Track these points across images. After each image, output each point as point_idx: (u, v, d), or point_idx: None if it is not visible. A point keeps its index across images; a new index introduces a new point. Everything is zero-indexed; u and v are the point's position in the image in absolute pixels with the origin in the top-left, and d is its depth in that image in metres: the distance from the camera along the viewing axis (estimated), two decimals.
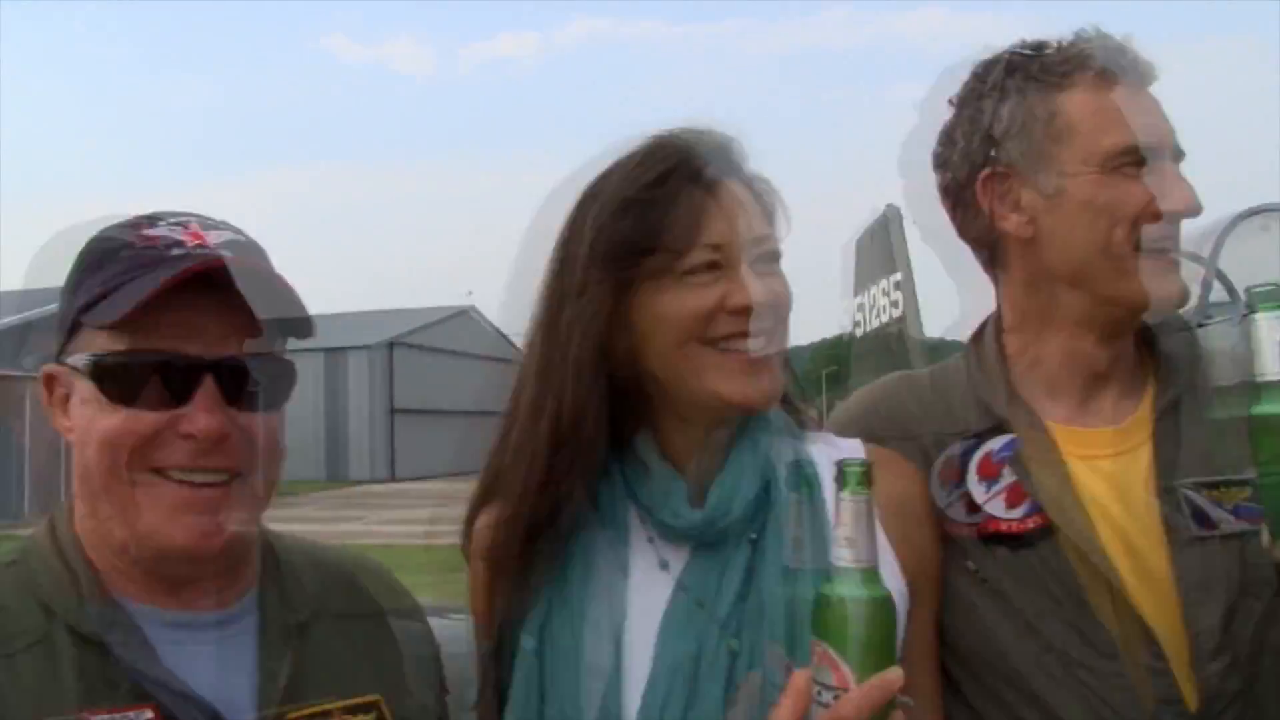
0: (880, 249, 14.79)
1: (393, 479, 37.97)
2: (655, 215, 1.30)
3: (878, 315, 15.69)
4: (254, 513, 1.20)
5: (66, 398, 1.18)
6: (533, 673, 1.32)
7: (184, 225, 1.18)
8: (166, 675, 1.10)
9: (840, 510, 1.10)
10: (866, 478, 1.10)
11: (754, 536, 1.33)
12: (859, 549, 1.08)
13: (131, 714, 1.06)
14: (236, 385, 1.14)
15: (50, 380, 1.19)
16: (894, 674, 1.06)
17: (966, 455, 1.51)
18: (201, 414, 1.11)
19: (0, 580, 1.15)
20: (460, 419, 42.46)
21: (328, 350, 39.27)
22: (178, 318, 1.11)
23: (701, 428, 1.37)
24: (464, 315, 43.95)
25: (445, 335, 42.15)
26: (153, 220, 1.19)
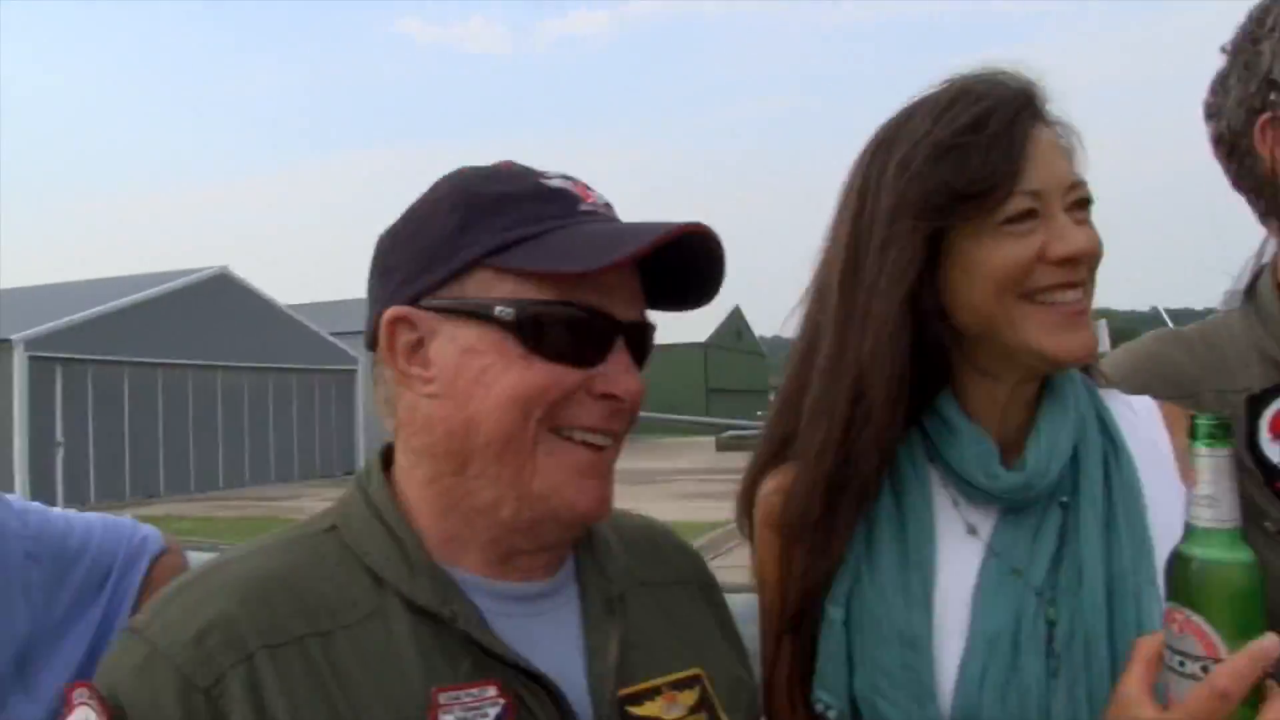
0: None
1: None
2: (973, 161, 1.22)
3: None
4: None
5: (417, 344, 1.09)
6: (840, 644, 1.27)
7: (567, 179, 1.13)
8: (507, 650, 1.04)
9: (1198, 467, 1.02)
10: (1224, 430, 1.01)
11: (1064, 499, 1.27)
12: (1221, 508, 1.01)
13: (475, 690, 1.00)
14: (638, 347, 1.11)
15: (396, 324, 1.09)
16: (1271, 642, 0.98)
17: (1255, 413, 1.41)
18: (624, 375, 1.07)
19: (322, 548, 1.09)
20: None
21: None
22: (596, 277, 1.04)
23: (1007, 385, 1.29)
24: None
25: None
26: (536, 170, 1.13)
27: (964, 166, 1.22)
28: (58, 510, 1.47)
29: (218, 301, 27.44)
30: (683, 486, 23.03)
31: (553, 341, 1.04)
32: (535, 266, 1.04)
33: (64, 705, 0.98)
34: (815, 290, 1.36)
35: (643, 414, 1.13)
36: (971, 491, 1.28)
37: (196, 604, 1.01)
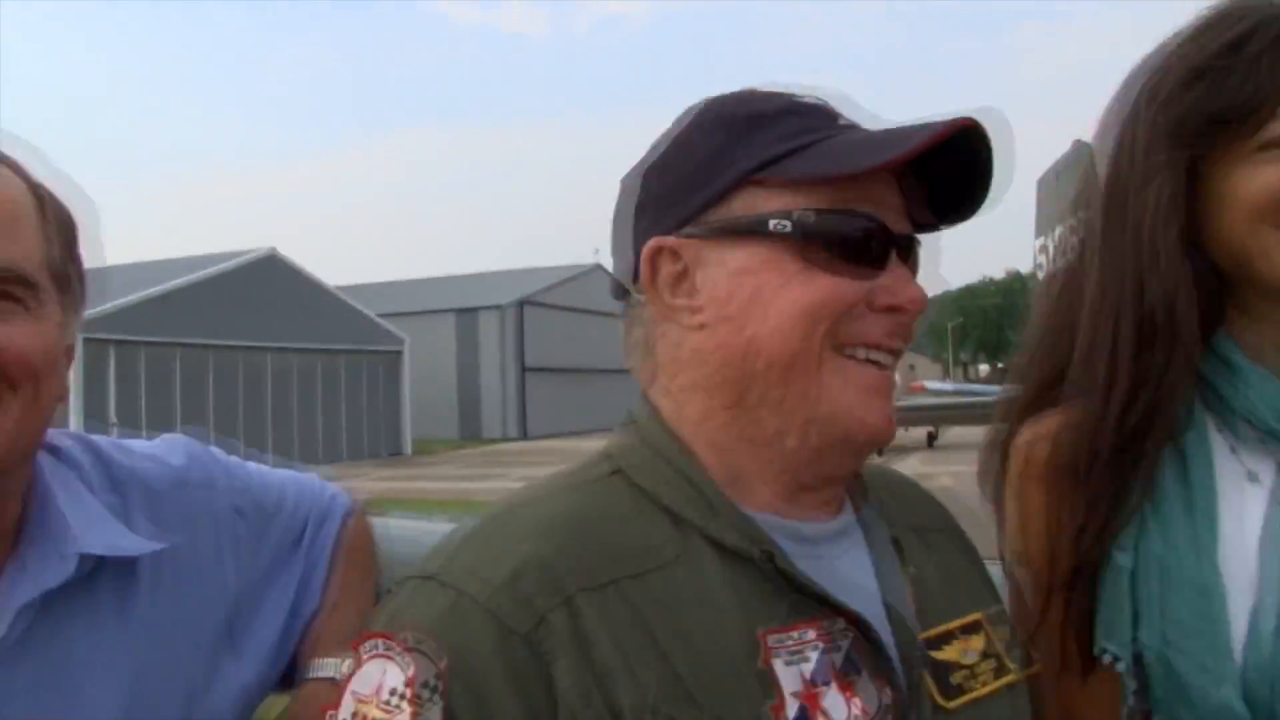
0: (1072, 188, 13.83)
1: (525, 437, 38.47)
2: (1231, 83, 1.17)
3: (1064, 255, 14.82)
4: None
5: (682, 275, 1.03)
6: (1125, 591, 1.20)
7: (818, 98, 1.08)
8: (826, 591, 0.98)
9: None
10: None
11: None
12: None
13: (796, 632, 0.95)
14: (912, 262, 1.05)
15: (658, 256, 1.04)
16: None
17: None
18: (906, 285, 1.01)
19: (611, 492, 1.03)
20: (590, 376, 43.00)
21: (460, 311, 39.91)
22: (867, 186, 1.00)
23: (1271, 323, 1.23)
24: (592, 273, 44.22)
25: (574, 293, 42.48)
26: (786, 91, 1.08)
27: (1220, 89, 1.18)
28: (252, 464, 1.41)
29: (267, 283, 27.67)
30: None
31: (832, 253, 0.99)
32: (807, 174, 0.99)
33: (351, 658, 0.92)
34: (1075, 229, 1.31)
35: None
36: (1251, 436, 1.21)
37: (500, 547, 0.95)
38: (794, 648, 0.94)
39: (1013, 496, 1.31)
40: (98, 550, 1.12)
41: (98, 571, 1.12)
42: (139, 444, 1.31)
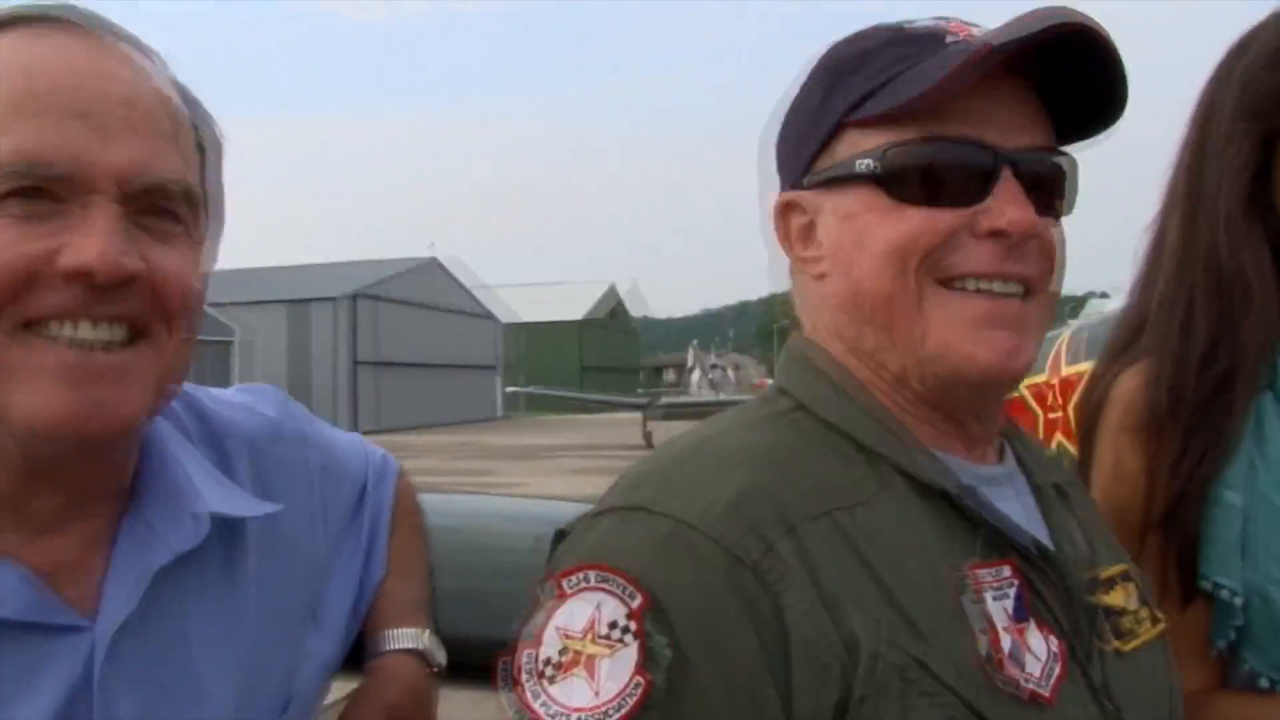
0: None
1: (356, 431, 37.79)
2: None
3: None
4: (1042, 336, 1.03)
5: (809, 228, 1.04)
6: (1235, 530, 1.24)
7: (941, 18, 1.03)
8: (1018, 529, 0.98)
9: None
10: None
11: None
12: None
13: (994, 569, 0.95)
14: (1034, 184, 0.98)
15: (787, 211, 1.06)
16: None
17: None
18: (1011, 207, 0.95)
19: (800, 426, 1.01)
20: (424, 371, 42.48)
21: (293, 302, 39.06)
22: (965, 105, 0.95)
23: None
24: (427, 267, 44.11)
25: (409, 287, 42.34)
26: (905, 20, 1.05)
27: None
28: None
29: None
30: (566, 462, 23.40)
31: (919, 184, 0.96)
32: (883, 107, 0.96)
33: (551, 595, 0.87)
34: (1166, 192, 1.40)
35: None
36: None
37: (712, 476, 0.92)
38: (993, 582, 0.93)
39: (1108, 445, 1.35)
40: (226, 511, 1.03)
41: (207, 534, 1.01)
42: (225, 393, 1.22)
